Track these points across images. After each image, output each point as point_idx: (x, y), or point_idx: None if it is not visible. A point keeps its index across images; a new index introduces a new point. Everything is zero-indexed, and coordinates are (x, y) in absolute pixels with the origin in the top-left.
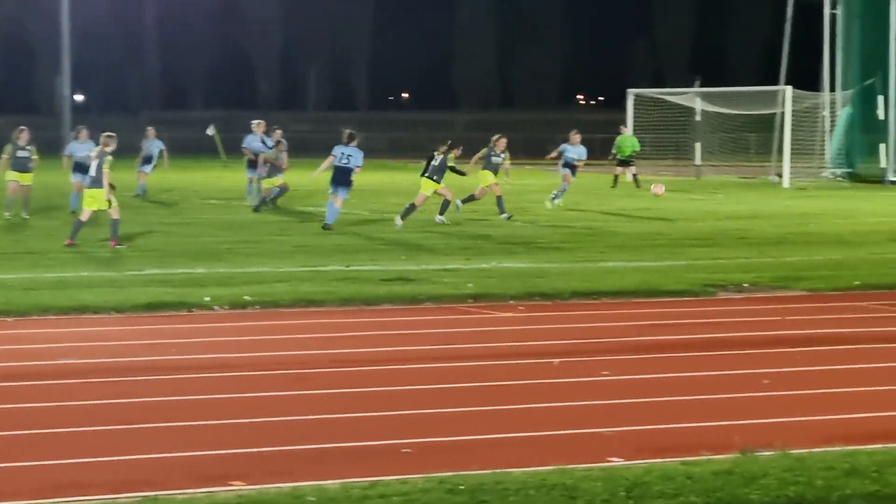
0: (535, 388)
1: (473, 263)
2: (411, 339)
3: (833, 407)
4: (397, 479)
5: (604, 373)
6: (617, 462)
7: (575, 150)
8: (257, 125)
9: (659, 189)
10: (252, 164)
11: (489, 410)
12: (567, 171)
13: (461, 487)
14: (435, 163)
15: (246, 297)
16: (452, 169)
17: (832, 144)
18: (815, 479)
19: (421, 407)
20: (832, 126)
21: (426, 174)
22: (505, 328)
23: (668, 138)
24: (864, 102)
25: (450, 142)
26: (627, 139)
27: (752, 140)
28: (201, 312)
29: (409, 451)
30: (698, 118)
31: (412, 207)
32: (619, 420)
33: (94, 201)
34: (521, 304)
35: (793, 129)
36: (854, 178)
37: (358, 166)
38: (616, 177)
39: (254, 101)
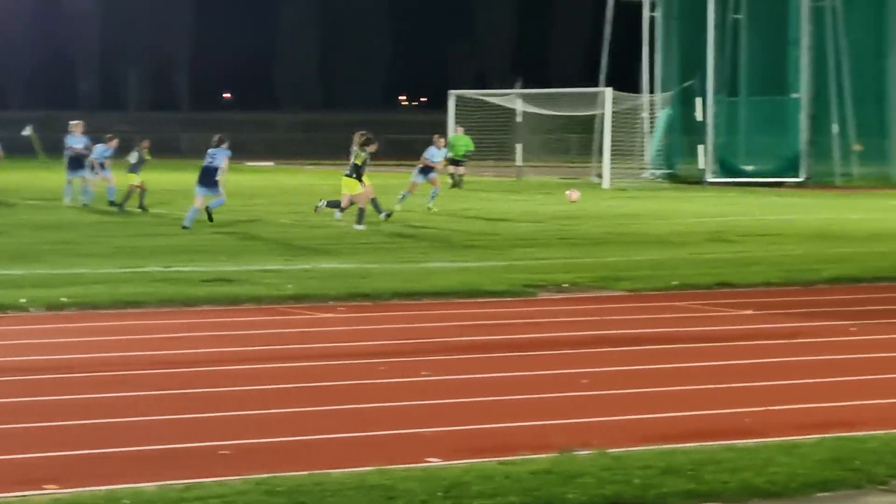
0: (354, 388)
1: (294, 264)
2: (231, 340)
3: (651, 406)
4: (215, 482)
5: (424, 373)
6: (436, 462)
7: (440, 153)
8: (75, 125)
9: (574, 195)
10: (74, 165)
11: (308, 411)
12: (435, 175)
13: (279, 489)
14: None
15: (63, 299)
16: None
17: (652, 146)
18: (632, 478)
19: (240, 408)
20: (652, 127)
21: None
22: (324, 329)
23: (490, 139)
24: (683, 104)
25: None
26: (461, 139)
27: (573, 141)
28: (16, 314)
29: (227, 452)
30: (519, 119)
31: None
32: (439, 420)
33: None
34: (342, 304)
35: (613, 131)
36: (673, 178)
37: (219, 167)
38: (452, 175)
39: (74, 101)
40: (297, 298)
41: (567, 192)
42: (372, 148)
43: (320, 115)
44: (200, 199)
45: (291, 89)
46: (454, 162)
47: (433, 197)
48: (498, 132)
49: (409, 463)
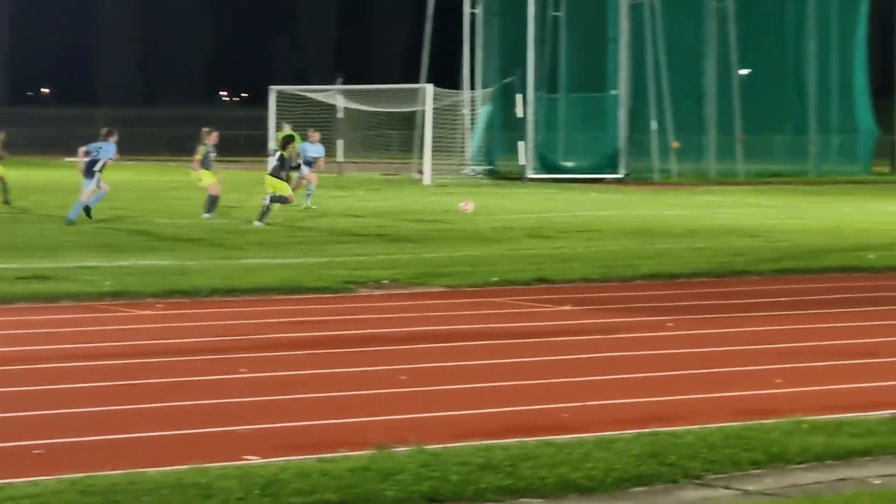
0: (172, 386)
1: (112, 261)
2: (47, 337)
3: (469, 402)
4: (28, 482)
5: (242, 370)
6: (253, 460)
7: (314, 148)
8: None
9: (468, 206)
10: None
11: (125, 409)
12: (308, 169)
13: (94, 488)
14: (276, 162)
15: None
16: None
17: (472, 142)
18: (450, 474)
19: (55, 407)
20: (472, 124)
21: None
22: (142, 326)
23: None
24: (504, 101)
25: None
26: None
27: (394, 137)
28: None
29: (41, 452)
30: (340, 115)
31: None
32: (257, 418)
33: None
34: (161, 301)
35: (434, 127)
36: (494, 175)
37: (105, 158)
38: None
39: None
40: (115, 295)
41: (461, 204)
42: (213, 139)
43: (140, 111)
44: (88, 191)
45: (111, 84)
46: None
47: (309, 195)
48: (319, 128)
49: (226, 461)
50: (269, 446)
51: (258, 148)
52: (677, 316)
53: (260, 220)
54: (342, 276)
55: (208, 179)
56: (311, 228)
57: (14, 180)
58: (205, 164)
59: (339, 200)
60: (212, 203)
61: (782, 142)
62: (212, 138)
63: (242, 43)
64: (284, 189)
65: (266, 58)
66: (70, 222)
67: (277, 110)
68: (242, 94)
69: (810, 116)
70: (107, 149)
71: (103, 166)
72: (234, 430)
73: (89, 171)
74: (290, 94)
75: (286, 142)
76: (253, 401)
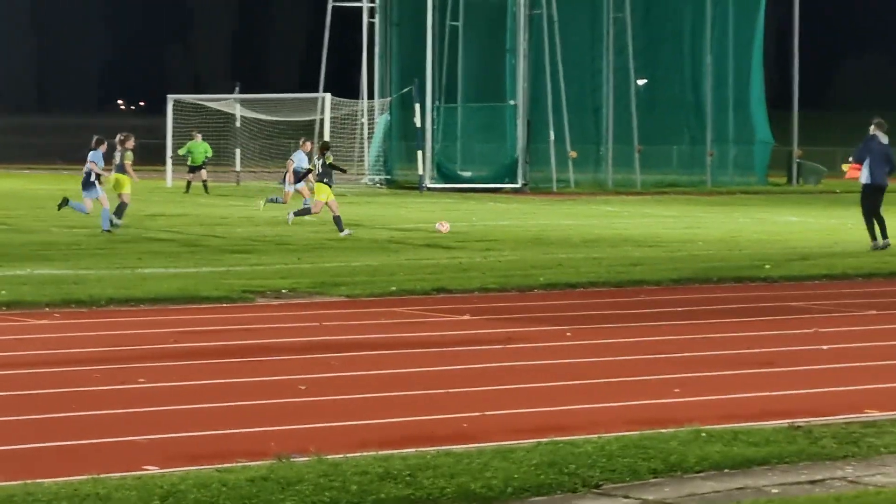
0: (69, 396)
1: (6, 270)
2: None
3: (369, 412)
4: None
5: (140, 380)
6: (152, 470)
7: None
8: None
9: (444, 227)
10: None
11: (21, 420)
12: (303, 184)
13: None
14: (318, 168)
15: None
16: (333, 166)
17: (371, 151)
18: (349, 484)
19: None
20: (371, 133)
21: (320, 180)
22: (39, 336)
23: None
24: (402, 110)
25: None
26: (200, 145)
27: (292, 147)
28: None
29: None
30: (238, 124)
31: (306, 211)
32: (155, 428)
33: None
34: (57, 311)
35: (332, 136)
36: (392, 184)
37: (93, 162)
38: (189, 183)
39: None
40: (11, 305)
41: (437, 225)
42: (131, 144)
43: (34, 119)
44: (88, 202)
45: (4, 92)
46: (194, 169)
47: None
48: (216, 137)
49: (124, 471)
50: (167, 456)
51: (155, 157)
52: (576, 325)
53: (296, 213)
54: (240, 285)
55: (128, 186)
56: (208, 238)
57: None
58: (122, 169)
59: (237, 209)
60: (122, 209)
61: (679, 152)
62: (129, 144)
63: (139, 51)
64: (327, 194)
65: (162, 66)
66: (111, 229)
67: (175, 119)
68: (139, 103)
69: (707, 127)
70: (93, 158)
71: (97, 176)
72: (133, 440)
73: (87, 183)
74: (188, 103)
75: (325, 148)
76: (151, 411)
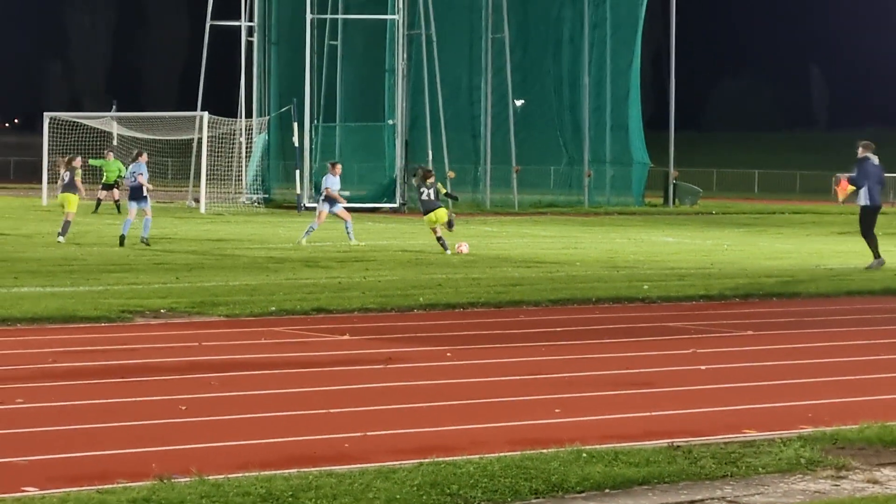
0: None
1: None
2: None
3: (250, 432)
4: None
5: (18, 400)
6: (32, 492)
7: (337, 180)
8: None
9: (464, 247)
10: None
11: None
12: (341, 206)
13: None
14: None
15: None
16: (448, 195)
17: (249, 170)
18: None
19: None
20: (249, 152)
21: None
22: None
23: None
24: (281, 129)
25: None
26: (114, 164)
27: (169, 165)
28: None
29: None
30: (115, 142)
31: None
32: (35, 449)
33: None
34: None
35: (209, 155)
36: (270, 203)
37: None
38: (99, 201)
39: None
40: None
41: (457, 246)
42: (79, 163)
43: None
44: (133, 210)
45: None
46: (107, 187)
47: (349, 231)
48: (94, 155)
49: (4, 493)
50: (47, 478)
51: (30, 174)
52: (456, 346)
53: (447, 248)
54: (118, 304)
55: (74, 205)
56: (83, 257)
57: None
58: (72, 188)
59: (113, 228)
60: (67, 227)
61: (557, 172)
62: (77, 162)
63: (13, 67)
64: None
65: (38, 83)
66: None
67: (51, 136)
68: (14, 120)
69: (585, 148)
70: (139, 170)
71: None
72: (12, 461)
73: (138, 196)
74: (64, 121)
75: (426, 175)
76: (30, 431)
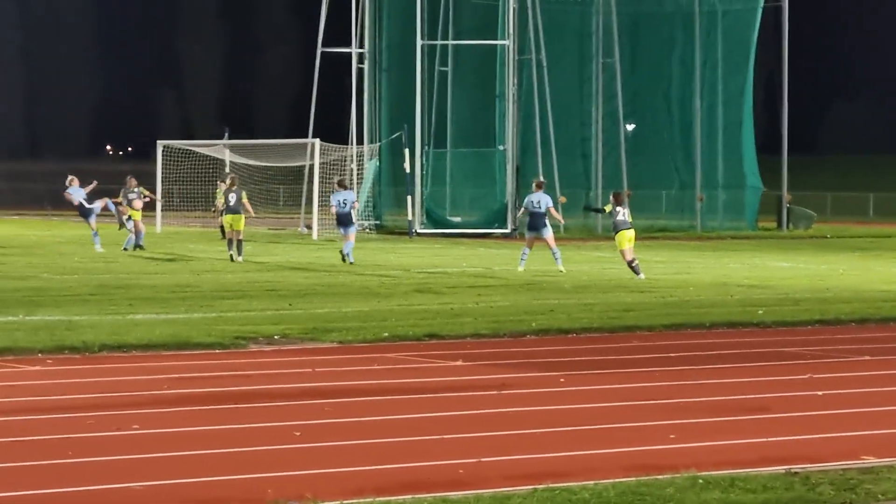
0: (63, 442)
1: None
2: None
3: (364, 458)
4: None
5: (134, 427)
6: None
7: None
8: None
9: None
10: None
11: (15, 467)
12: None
13: None
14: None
15: None
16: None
17: (360, 197)
18: None
19: None
20: (360, 178)
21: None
22: (32, 382)
23: (198, 190)
24: (392, 155)
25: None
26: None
27: (281, 192)
28: None
29: None
30: (227, 170)
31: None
32: (150, 474)
33: None
34: (50, 357)
35: (321, 182)
36: (381, 230)
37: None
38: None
39: None
40: (3, 351)
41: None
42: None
43: (24, 165)
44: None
45: None
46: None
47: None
48: (206, 182)
49: None
50: (163, 503)
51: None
52: (569, 371)
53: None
54: (232, 331)
55: (243, 223)
56: (197, 284)
57: None
58: (239, 209)
59: (226, 255)
60: (240, 245)
61: (669, 197)
62: (132, 183)
63: (127, 96)
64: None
65: (151, 111)
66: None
67: (164, 164)
68: (128, 148)
69: (697, 172)
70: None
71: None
72: (129, 486)
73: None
74: (177, 149)
75: (618, 200)
76: (147, 457)
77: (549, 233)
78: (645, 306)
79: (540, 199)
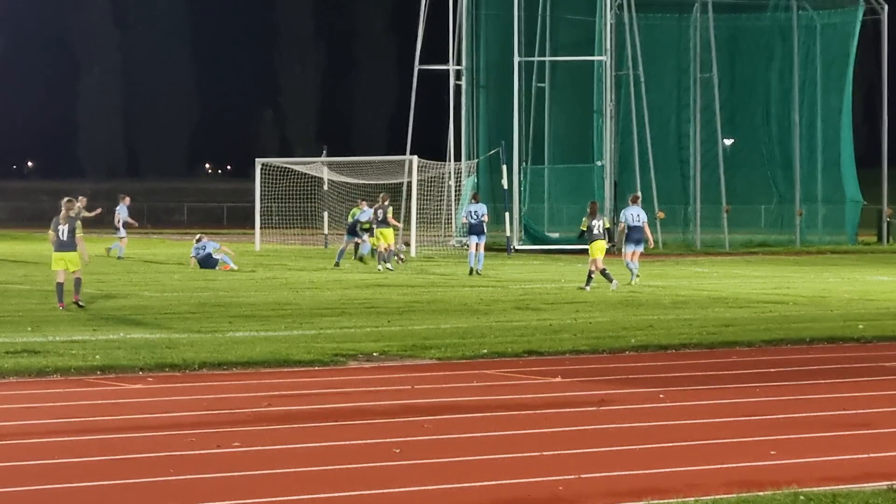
0: (165, 460)
1: (101, 334)
2: (37, 412)
3: (464, 475)
4: None
5: (235, 444)
6: None
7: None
8: None
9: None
10: None
11: (118, 484)
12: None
13: None
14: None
15: None
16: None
17: (458, 213)
18: None
19: (46, 482)
20: (458, 195)
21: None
22: (134, 400)
23: (296, 207)
24: (489, 171)
25: None
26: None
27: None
28: None
29: None
30: (326, 188)
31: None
32: (250, 492)
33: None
34: (151, 375)
35: (419, 199)
36: None
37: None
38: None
39: None
40: (105, 369)
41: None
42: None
43: (124, 183)
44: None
45: (95, 157)
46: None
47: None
48: (304, 200)
49: None
50: None
51: (241, 220)
52: (669, 387)
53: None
54: (331, 348)
55: (391, 237)
56: (296, 301)
57: None
58: (386, 223)
59: (326, 272)
60: (389, 254)
61: (768, 212)
62: (385, 199)
63: (226, 115)
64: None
65: (249, 130)
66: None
67: (263, 182)
68: (227, 167)
69: (796, 186)
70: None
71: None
72: (232, 503)
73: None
74: (275, 166)
75: (593, 210)
76: (248, 475)
77: (642, 247)
78: (744, 321)
79: (639, 213)
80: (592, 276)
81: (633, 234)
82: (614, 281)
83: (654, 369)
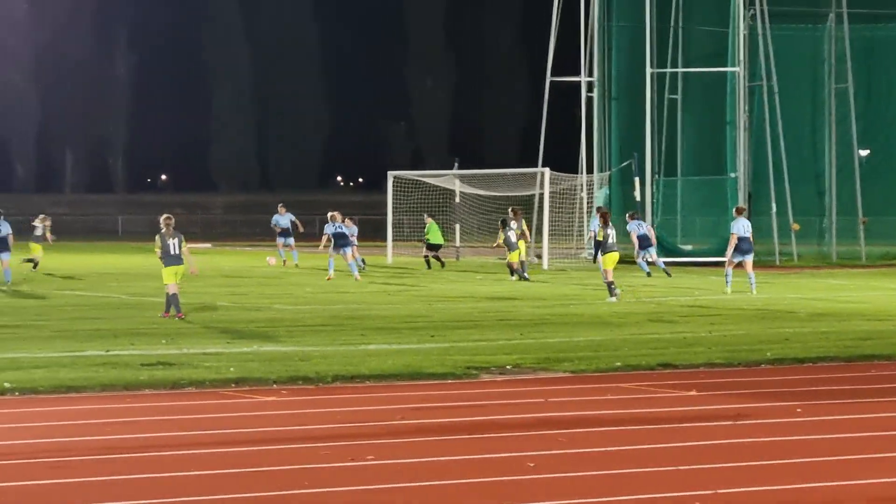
0: (299, 473)
1: (235, 347)
2: (173, 424)
3: (599, 489)
4: None
5: (369, 457)
6: None
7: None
8: None
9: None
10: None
11: (253, 497)
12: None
13: None
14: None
15: (6, 384)
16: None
17: (590, 226)
18: None
19: (181, 495)
20: (590, 207)
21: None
22: (268, 413)
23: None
24: (621, 184)
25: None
26: (435, 226)
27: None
28: None
29: None
30: (457, 200)
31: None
32: None
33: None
34: (285, 388)
35: (551, 211)
36: None
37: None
38: (436, 259)
39: (9, 184)
40: (239, 382)
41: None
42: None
43: (257, 197)
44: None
45: (228, 171)
46: (432, 247)
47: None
48: (436, 213)
49: None
50: None
51: (375, 232)
52: (806, 401)
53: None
54: (464, 361)
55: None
56: (429, 314)
57: (135, 267)
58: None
59: (458, 285)
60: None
61: None
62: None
63: (358, 128)
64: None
65: (381, 143)
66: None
67: (395, 195)
68: (358, 179)
69: None
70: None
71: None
72: None
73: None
74: (407, 179)
75: (606, 220)
76: (382, 488)
77: (751, 256)
78: (883, 335)
79: (748, 225)
80: (612, 285)
81: (743, 245)
82: (615, 296)
83: (790, 383)
